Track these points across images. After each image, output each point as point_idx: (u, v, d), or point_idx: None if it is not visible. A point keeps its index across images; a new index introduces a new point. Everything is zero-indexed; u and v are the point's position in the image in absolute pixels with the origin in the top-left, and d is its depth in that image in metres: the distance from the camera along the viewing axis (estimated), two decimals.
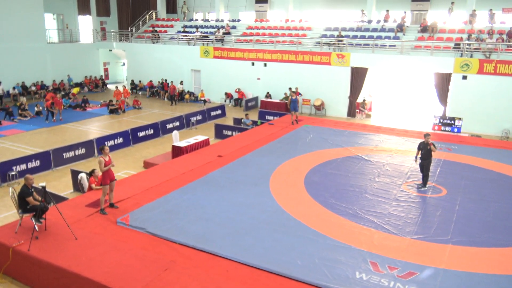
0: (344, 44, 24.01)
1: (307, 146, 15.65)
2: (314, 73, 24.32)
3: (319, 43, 24.79)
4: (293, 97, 18.79)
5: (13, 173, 13.14)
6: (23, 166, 13.51)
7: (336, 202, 10.55)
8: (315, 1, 30.81)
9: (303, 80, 24.68)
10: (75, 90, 27.07)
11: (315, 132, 17.70)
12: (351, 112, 23.78)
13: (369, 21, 26.29)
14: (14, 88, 25.36)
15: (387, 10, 26.20)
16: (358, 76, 23.19)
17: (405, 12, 25.72)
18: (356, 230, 9.08)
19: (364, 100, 24.05)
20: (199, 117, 21.67)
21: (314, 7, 30.98)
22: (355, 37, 24.91)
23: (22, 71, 27.21)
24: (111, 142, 16.51)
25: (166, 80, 29.45)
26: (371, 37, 24.43)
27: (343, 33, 25.18)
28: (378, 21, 26.36)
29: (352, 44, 24.09)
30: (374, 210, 10.13)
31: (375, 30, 25.35)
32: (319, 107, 24.11)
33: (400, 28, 24.23)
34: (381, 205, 10.45)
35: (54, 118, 21.43)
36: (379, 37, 24.24)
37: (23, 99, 23.71)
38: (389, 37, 23.99)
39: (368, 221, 9.55)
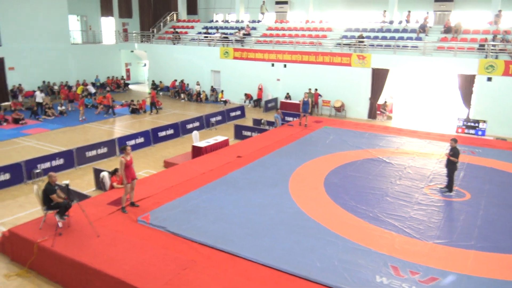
0: (365, 45, 23.78)
1: (327, 147, 15.55)
2: (334, 74, 24.16)
3: (340, 44, 24.61)
4: (305, 99, 18.47)
5: (37, 170, 13.44)
6: (47, 164, 13.82)
7: (356, 205, 10.44)
8: (335, 2, 30.61)
9: (323, 81, 24.54)
10: (79, 89, 27.35)
11: (335, 134, 17.57)
12: (372, 114, 23.53)
13: (391, 22, 25.98)
14: (39, 87, 25.94)
15: (409, 11, 25.85)
16: (379, 77, 22.93)
17: (427, 13, 25.31)
18: (376, 233, 8.97)
19: (385, 102, 23.77)
20: (219, 118, 21.77)
21: (334, 8, 30.78)
22: (376, 38, 24.65)
23: (46, 71, 27.85)
24: (132, 142, 16.72)
25: (183, 81, 29.73)
26: (392, 38, 24.12)
27: (364, 34, 24.94)
28: (400, 22, 26.01)
29: (373, 45, 23.85)
30: (395, 214, 9.99)
31: (396, 31, 25.02)
32: (339, 109, 23.93)
33: (423, 28, 23.85)
34: (402, 209, 10.30)
35: (81, 118, 21.88)
36: (401, 38, 23.90)
37: (47, 99, 24.24)
38: (411, 38, 23.64)
39: (389, 224, 9.43)
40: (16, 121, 20.94)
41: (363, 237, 8.76)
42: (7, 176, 12.79)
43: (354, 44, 24.16)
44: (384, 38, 24.44)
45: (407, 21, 25.56)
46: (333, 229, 9.06)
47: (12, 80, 25.97)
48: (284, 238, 8.66)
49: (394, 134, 18.02)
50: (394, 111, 24.16)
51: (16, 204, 11.69)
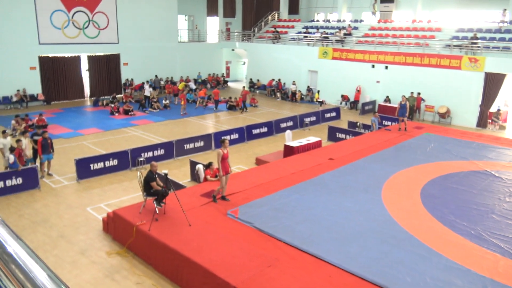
0: (478, 47, 21.79)
1: (427, 155, 14.55)
2: (441, 77, 22.51)
3: (449, 46, 22.87)
4: (402, 102, 17.51)
5: (141, 159, 14.57)
6: (150, 153, 14.91)
7: (456, 220, 9.60)
8: (447, 1, 28.51)
9: (427, 84, 23.01)
10: (181, 85, 28.82)
11: (437, 141, 16.38)
12: (482, 122, 21.48)
13: (511, 22, 23.47)
14: (147, 82, 28.11)
15: None
16: (493, 82, 20.86)
17: None
18: (477, 253, 8.16)
19: (498, 110, 21.56)
20: (313, 118, 21.58)
21: (445, 6, 28.68)
22: (492, 39, 22.44)
23: (155, 67, 30.10)
24: (227, 137, 17.29)
25: (280, 80, 29.98)
26: None
27: (478, 35, 22.85)
28: None
29: (488, 47, 21.75)
30: (501, 234, 8.99)
31: None
32: (444, 115, 22.26)
33: None
34: (510, 229, 9.23)
35: (182, 112, 23.24)
36: None
37: (154, 93, 26.14)
38: None
39: (493, 244, 8.51)
40: (126, 112, 22.95)
41: (461, 256, 8.02)
42: (115, 162, 14.06)
43: (466, 46, 22.27)
44: (502, 39, 22.16)
45: None
46: (427, 243, 8.44)
47: (125, 75, 28.59)
48: (373, 246, 8.28)
49: (507, 146, 16.25)
50: (509, 120, 21.79)
51: (121, 187, 12.79)
